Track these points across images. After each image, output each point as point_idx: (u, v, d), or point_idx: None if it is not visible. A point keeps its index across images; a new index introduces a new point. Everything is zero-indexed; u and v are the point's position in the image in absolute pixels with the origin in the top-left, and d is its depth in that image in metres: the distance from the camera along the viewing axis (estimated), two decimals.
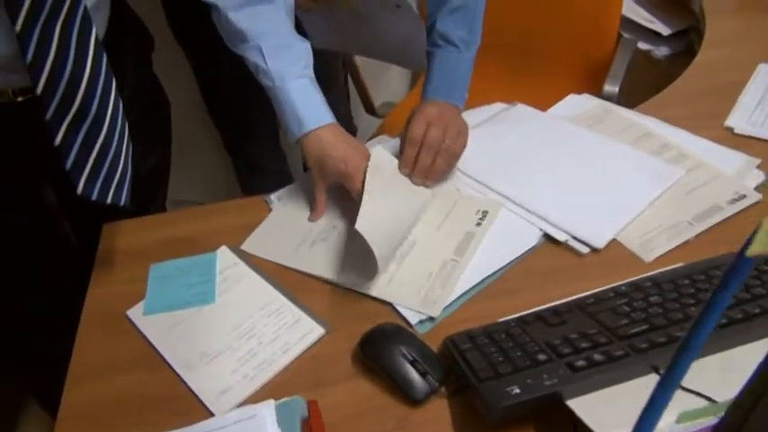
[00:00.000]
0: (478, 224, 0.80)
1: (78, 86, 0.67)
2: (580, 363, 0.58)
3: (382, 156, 0.86)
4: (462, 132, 0.86)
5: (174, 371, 0.68)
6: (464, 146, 0.86)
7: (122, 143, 0.76)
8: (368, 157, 0.83)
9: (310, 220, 0.85)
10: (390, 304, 0.73)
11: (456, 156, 0.85)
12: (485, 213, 0.82)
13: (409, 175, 0.85)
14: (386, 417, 0.62)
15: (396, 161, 0.86)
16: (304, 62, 0.83)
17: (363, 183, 0.80)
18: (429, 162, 0.84)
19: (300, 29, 1.08)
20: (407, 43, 0.99)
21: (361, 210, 0.76)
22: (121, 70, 0.87)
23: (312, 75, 0.84)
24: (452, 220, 0.82)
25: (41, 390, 1.14)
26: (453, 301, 0.72)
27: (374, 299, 0.73)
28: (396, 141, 0.98)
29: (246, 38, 0.81)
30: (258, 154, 1.46)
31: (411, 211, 0.82)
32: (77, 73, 0.67)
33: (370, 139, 1.17)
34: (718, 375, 0.54)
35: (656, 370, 0.57)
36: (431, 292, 0.73)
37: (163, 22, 1.26)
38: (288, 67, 0.82)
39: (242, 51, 0.83)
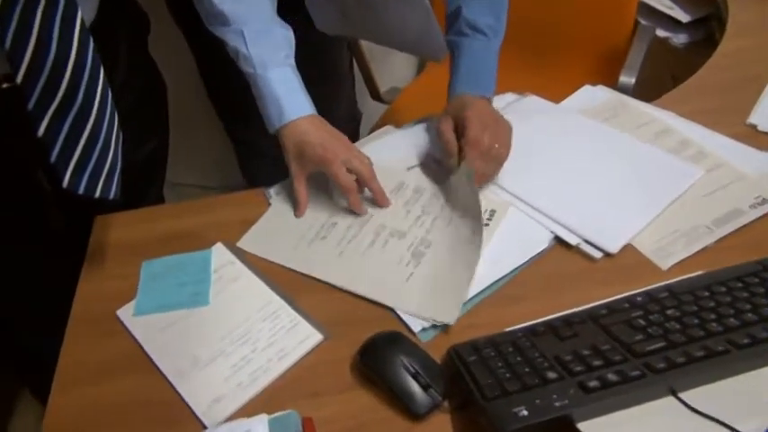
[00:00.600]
0: (486, 224, 0.77)
1: (62, 75, 0.64)
2: (593, 383, 0.55)
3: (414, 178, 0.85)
4: (509, 136, 0.83)
5: (165, 377, 0.66)
6: (509, 150, 0.82)
7: (111, 134, 0.73)
8: (349, 147, 0.82)
9: (296, 215, 0.83)
10: (392, 309, 0.70)
11: (502, 162, 0.82)
12: (492, 213, 0.79)
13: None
14: (386, 431, 0.59)
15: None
16: (286, 51, 0.82)
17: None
18: (484, 170, 0.80)
19: (303, 10, 1.04)
20: (416, 30, 0.95)
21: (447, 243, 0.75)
22: (113, 54, 0.84)
23: (293, 63, 0.83)
24: (461, 217, 0.79)
25: (34, 382, 1.13)
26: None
27: (375, 303, 0.71)
28: (402, 132, 0.95)
29: (228, 21, 0.80)
30: (258, 138, 1.43)
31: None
32: (61, 61, 0.64)
33: (374, 128, 1.14)
34: (735, 399, 0.51)
35: (674, 393, 0.54)
36: (443, 297, 0.70)
37: (161, 2, 1.22)
38: (270, 55, 0.81)
39: (222, 34, 0.82)
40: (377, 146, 0.92)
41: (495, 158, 0.80)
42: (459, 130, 0.82)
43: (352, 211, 0.82)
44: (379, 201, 0.82)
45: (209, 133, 1.66)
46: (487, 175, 0.81)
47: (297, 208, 0.83)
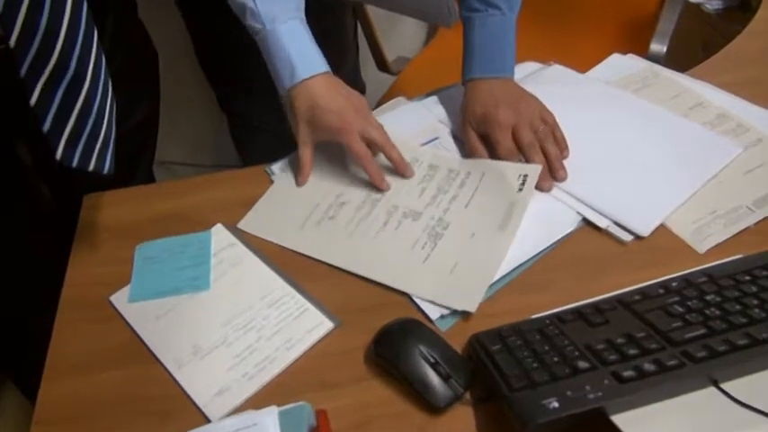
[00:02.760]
0: (520, 189, 0.77)
1: (55, 40, 0.64)
2: (628, 373, 0.55)
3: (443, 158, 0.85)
4: (541, 107, 0.83)
5: (164, 366, 0.66)
6: (551, 115, 0.83)
7: (105, 103, 0.73)
8: (366, 114, 0.82)
9: (298, 184, 0.84)
10: (407, 296, 0.70)
11: (557, 129, 0.82)
12: (524, 178, 0.78)
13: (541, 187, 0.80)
14: (402, 426, 0.60)
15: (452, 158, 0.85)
16: (296, 2, 0.82)
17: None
18: (543, 160, 0.80)
19: None
20: None
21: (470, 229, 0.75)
22: (101, 18, 0.83)
23: (304, 17, 0.83)
24: (485, 193, 0.79)
25: (15, 367, 1.13)
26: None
27: (389, 289, 0.71)
28: (413, 105, 0.95)
29: None
30: (256, 112, 1.42)
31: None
32: (54, 25, 0.64)
33: (383, 100, 1.13)
34: None
35: (716, 383, 0.54)
36: (464, 282, 0.70)
37: None
38: (278, 8, 0.80)
39: None
40: (387, 119, 0.91)
41: (547, 138, 0.81)
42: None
43: (363, 190, 0.82)
44: (401, 170, 0.82)
45: (201, 106, 1.65)
46: (557, 159, 0.80)
47: (299, 175, 0.84)
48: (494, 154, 0.82)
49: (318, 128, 0.81)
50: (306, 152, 0.83)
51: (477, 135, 0.84)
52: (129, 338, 0.69)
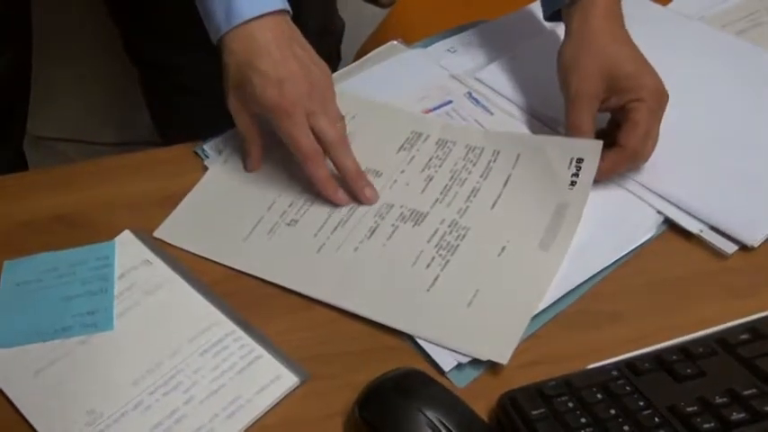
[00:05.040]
0: (572, 183, 0.78)
1: None
2: None
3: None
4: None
5: None
6: None
7: None
8: (323, 91, 0.82)
9: (248, 169, 0.86)
10: (408, 336, 0.71)
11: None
12: (580, 163, 0.79)
13: None
14: None
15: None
16: None
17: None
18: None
19: None
20: None
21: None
22: None
23: None
24: (520, 185, 0.80)
25: None
26: None
27: (382, 326, 0.71)
28: (415, 53, 0.96)
29: None
30: (182, 62, 1.42)
31: None
32: None
33: (369, 46, 1.13)
34: None
35: None
36: (488, 319, 0.70)
37: None
38: None
39: None
40: (377, 74, 0.93)
41: (644, 159, 0.81)
42: (611, 109, 0.82)
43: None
44: (352, 187, 0.81)
45: (98, 55, 1.65)
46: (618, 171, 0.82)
47: (247, 159, 0.85)
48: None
49: (249, 98, 0.81)
50: (247, 127, 0.84)
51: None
52: None
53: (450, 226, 0.78)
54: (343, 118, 0.83)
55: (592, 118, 0.81)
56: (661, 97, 0.79)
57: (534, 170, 0.81)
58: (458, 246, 0.76)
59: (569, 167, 0.79)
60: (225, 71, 0.82)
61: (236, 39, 0.81)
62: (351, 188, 0.81)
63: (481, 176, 0.81)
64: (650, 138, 0.79)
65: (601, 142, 0.79)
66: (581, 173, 0.78)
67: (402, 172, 0.83)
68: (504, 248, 0.75)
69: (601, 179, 0.79)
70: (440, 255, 0.75)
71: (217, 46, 0.83)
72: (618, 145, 0.79)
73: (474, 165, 0.83)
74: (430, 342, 0.70)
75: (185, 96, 1.44)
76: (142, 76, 1.49)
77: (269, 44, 0.80)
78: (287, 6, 0.83)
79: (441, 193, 0.81)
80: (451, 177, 0.82)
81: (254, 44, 0.80)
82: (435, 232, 0.77)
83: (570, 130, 0.81)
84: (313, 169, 0.80)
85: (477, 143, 0.84)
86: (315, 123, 0.80)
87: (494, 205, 0.79)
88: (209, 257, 0.78)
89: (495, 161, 0.82)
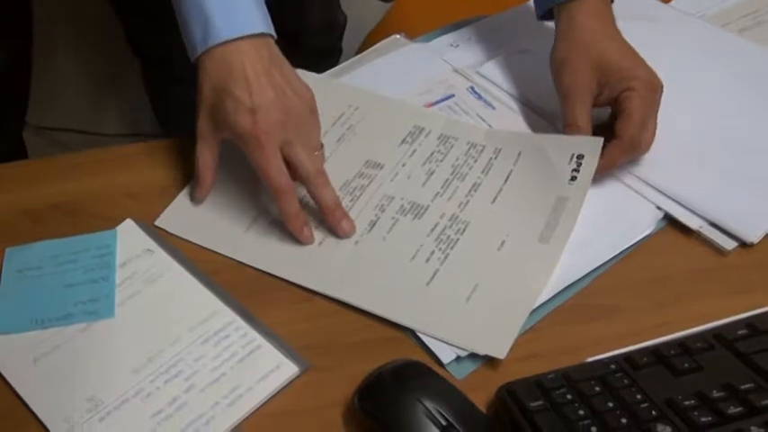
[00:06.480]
0: (573, 178, 0.78)
1: None
2: None
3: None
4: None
5: (47, 430, 0.66)
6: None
7: None
8: (300, 119, 0.79)
9: (194, 200, 0.83)
10: (408, 329, 0.71)
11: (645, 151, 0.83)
12: (580, 159, 0.80)
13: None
14: None
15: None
16: None
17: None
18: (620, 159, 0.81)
19: None
20: None
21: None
22: None
23: None
24: (521, 181, 0.81)
25: None
26: None
27: (381, 318, 0.72)
28: (417, 47, 0.96)
29: None
30: (181, 58, 1.42)
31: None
32: None
33: (372, 39, 1.13)
34: None
35: None
36: (487, 314, 0.71)
37: None
38: None
39: None
40: (380, 67, 0.93)
41: (642, 149, 0.81)
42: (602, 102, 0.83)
43: (340, 173, 0.83)
44: (330, 220, 0.79)
45: (101, 46, 1.65)
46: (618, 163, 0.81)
47: (196, 188, 0.82)
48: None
49: (221, 125, 0.79)
50: (205, 154, 0.81)
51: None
52: None
53: (450, 220, 0.78)
54: (322, 146, 0.82)
55: (587, 113, 0.81)
56: (654, 87, 0.80)
57: (535, 166, 0.81)
58: (457, 240, 0.76)
59: (570, 163, 0.79)
60: (198, 93, 0.80)
61: (211, 60, 0.78)
62: (328, 221, 0.78)
63: (482, 172, 0.82)
64: (646, 128, 0.79)
65: (601, 139, 0.79)
66: (581, 168, 0.79)
67: (403, 165, 0.84)
68: (503, 243, 0.76)
69: (601, 173, 0.79)
70: (439, 249, 0.76)
71: (194, 65, 0.81)
72: (615, 137, 0.79)
73: (475, 161, 0.83)
74: (428, 334, 0.70)
75: (183, 87, 1.44)
76: (143, 67, 1.49)
77: (245, 69, 0.77)
78: (270, 30, 0.80)
79: (441, 186, 0.81)
80: (453, 172, 0.82)
81: (229, 68, 0.78)
82: (435, 226, 0.78)
83: (567, 126, 0.82)
84: (282, 204, 0.77)
85: (480, 139, 0.85)
86: (289, 153, 0.77)
87: (494, 200, 0.79)
88: (210, 248, 0.79)
89: (496, 158, 0.83)
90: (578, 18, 0.83)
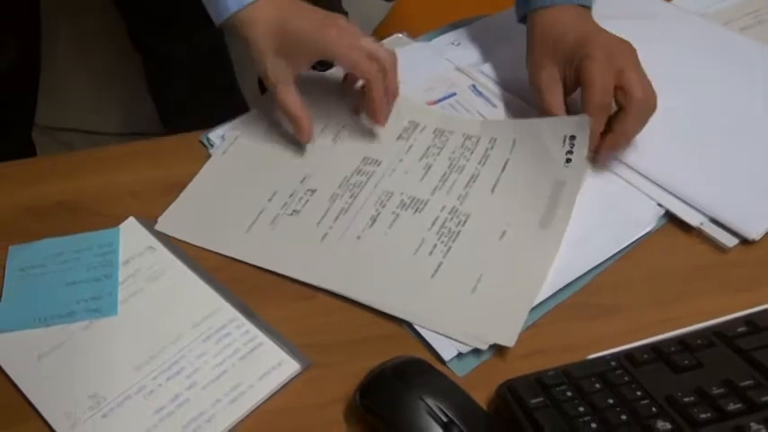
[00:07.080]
0: (568, 161, 0.79)
1: None
2: None
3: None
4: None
5: (50, 428, 0.66)
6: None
7: None
8: (360, 33, 0.83)
9: (303, 141, 0.85)
10: (408, 325, 0.71)
11: (648, 115, 0.82)
12: (573, 140, 0.79)
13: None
14: None
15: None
16: None
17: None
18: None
19: None
20: None
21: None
22: None
23: None
24: (518, 169, 0.81)
25: None
26: None
27: (383, 314, 0.72)
28: (419, 46, 0.96)
29: None
30: (187, 54, 1.43)
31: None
32: None
33: (375, 36, 1.14)
34: None
35: None
36: (493, 304, 0.71)
37: None
38: None
39: None
40: None
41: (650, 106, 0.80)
42: (574, 82, 0.83)
43: (341, 169, 0.83)
44: (379, 107, 0.83)
45: (104, 46, 1.65)
46: (625, 138, 0.81)
47: (299, 132, 0.84)
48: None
49: (298, 52, 0.81)
50: (290, 96, 0.83)
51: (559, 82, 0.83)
52: None
53: (450, 212, 0.78)
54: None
55: (558, 98, 0.83)
56: (613, 50, 0.80)
57: (531, 153, 0.81)
58: (459, 232, 0.77)
59: (563, 145, 0.79)
60: (253, 44, 0.82)
61: (253, 14, 0.81)
62: (376, 107, 0.84)
63: (479, 163, 0.82)
64: (635, 85, 0.78)
65: (588, 117, 0.79)
66: (575, 150, 0.79)
67: (401, 160, 0.84)
68: (504, 232, 0.76)
69: (595, 160, 0.80)
70: (441, 242, 0.76)
71: (227, 26, 0.83)
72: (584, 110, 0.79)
73: (472, 153, 0.83)
74: (435, 331, 0.70)
75: (189, 87, 1.44)
76: (145, 64, 1.49)
77: (290, 7, 0.81)
78: None
79: (440, 180, 0.81)
80: (450, 165, 0.83)
81: (278, 13, 0.81)
82: (436, 219, 0.78)
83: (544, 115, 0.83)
84: (377, 91, 0.82)
85: (475, 131, 0.85)
86: (371, 49, 0.81)
87: (493, 190, 0.80)
88: (212, 249, 0.79)
89: (492, 148, 0.83)
90: (541, 21, 0.85)
